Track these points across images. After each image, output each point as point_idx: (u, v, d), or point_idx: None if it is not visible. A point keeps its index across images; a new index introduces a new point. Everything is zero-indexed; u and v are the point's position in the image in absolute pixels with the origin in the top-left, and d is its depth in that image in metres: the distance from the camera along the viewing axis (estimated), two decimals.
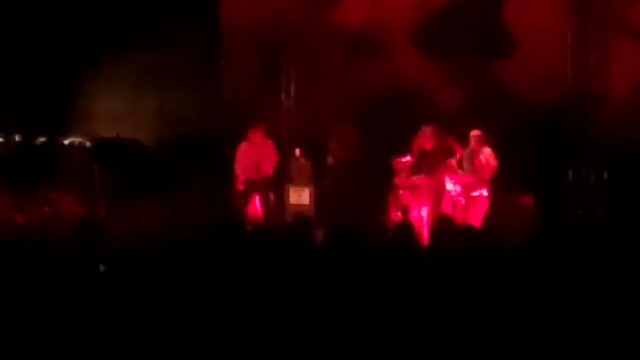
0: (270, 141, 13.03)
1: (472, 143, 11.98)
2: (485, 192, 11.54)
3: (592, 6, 10.36)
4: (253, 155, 12.82)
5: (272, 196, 12.80)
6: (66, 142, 15.00)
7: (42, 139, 15.23)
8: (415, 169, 11.29)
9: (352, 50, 15.26)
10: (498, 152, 12.71)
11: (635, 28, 13.31)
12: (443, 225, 8.19)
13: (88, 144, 14.44)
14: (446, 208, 12.23)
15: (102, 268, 6.98)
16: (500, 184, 12.66)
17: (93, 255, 7.18)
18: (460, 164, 11.53)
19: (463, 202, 12.15)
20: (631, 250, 6.58)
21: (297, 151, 14.41)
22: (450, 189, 12.31)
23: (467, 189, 11.71)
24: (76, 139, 14.55)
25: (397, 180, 11.81)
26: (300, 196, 13.93)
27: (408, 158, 12.72)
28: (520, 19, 14.08)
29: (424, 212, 11.08)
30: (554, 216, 10.60)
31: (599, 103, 10.71)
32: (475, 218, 11.40)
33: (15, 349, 5.51)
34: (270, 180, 12.85)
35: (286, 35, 14.76)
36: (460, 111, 14.21)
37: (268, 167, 12.88)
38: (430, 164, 10.98)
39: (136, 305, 5.95)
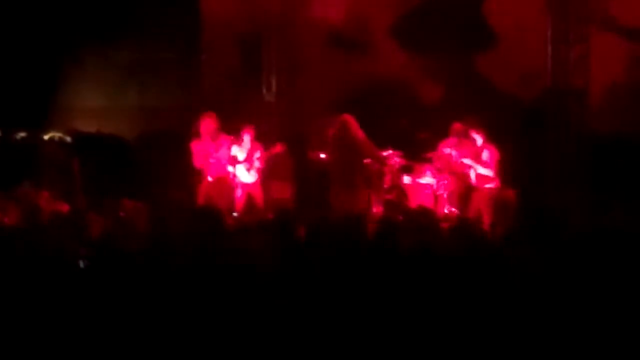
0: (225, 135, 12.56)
1: (454, 136, 11.99)
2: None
3: (572, 0, 10.38)
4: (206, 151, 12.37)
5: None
6: (46, 137, 14.90)
7: (22, 134, 15.15)
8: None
9: (334, 44, 15.27)
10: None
11: (614, 22, 13.36)
12: (428, 221, 8.19)
13: (68, 139, 14.35)
14: (428, 202, 12.26)
15: (81, 264, 6.95)
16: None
17: (73, 251, 7.15)
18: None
19: (445, 195, 12.20)
20: (612, 244, 6.60)
21: (279, 146, 14.39)
22: (432, 182, 12.35)
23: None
24: (56, 134, 14.46)
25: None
26: (281, 191, 13.92)
27: (390, 152, 12.75)
28: (501, 13, 14.12)
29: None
30: (536, 209, 10.61)
31: (580, 96, 10.74)
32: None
33: None
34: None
35: (267, 30, 14.73)
36: (441, 105, 14.25)
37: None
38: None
39: (117, 302, 5.92)
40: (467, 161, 11.55)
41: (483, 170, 11.37)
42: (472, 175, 11.58)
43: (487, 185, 11.37)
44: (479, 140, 11.41)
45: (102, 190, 13.33)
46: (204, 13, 16.07)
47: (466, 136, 11.52)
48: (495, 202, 11.52)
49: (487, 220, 10.84)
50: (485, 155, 11.38)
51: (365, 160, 11.88)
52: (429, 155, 12.47)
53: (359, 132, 11.87)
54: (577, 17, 10.59)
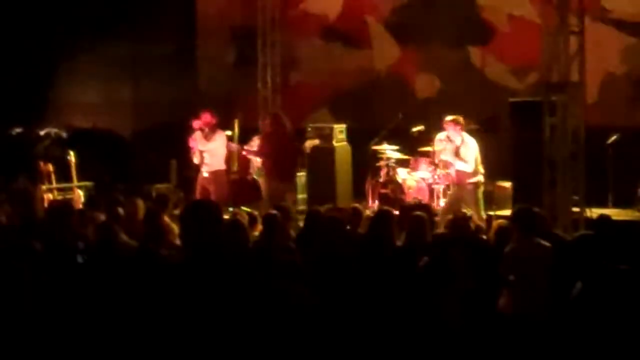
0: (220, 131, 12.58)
1: (447, 129, 11.99)
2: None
3: None
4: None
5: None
6: (42, 132, 14.92)
7: (18, 130, 15.17)
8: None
9: (329, 38, 15.27)
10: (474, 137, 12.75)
11: (609, 13, 13.36)
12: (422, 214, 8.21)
13: (64, 134, 14.35)
14: (424, 196, 12.28)
15: (79, 259, 6.97)
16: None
17: (70, 246, 7.17)
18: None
19: (441, 189, 12.21)
20: (604, 236, 6.63)
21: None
22: (427, 177, 12.35)
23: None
24: (52, 130, 14.47)
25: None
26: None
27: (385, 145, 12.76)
28: (496, 5, 14.12)
29: None
30: (531, 203, 10.63)
31: (575, 89, 10.75)
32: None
33: None
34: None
35: (262, 24, 14.72)
36: (436, 98, 14.26)
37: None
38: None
39: (114, 295, 5.94)
40: (446, 157, 11.60)
41: (462, 166, 11.40)
42: (452, 171, 11.62)
43: (469, 181, 11.39)
44: (458, 136, 11.46)
45: (98, 185, 13.36)
46: (199, 8, 16.08)
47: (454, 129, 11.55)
48: (484, 196, 11.55)
49: (474, 214, 10.85)
50: (463, 150, 11.40)
51: (290, 155, 12.09)
52: (425, 149, 12.47)
53: (287, 128, 12.06)
54: (572, 9, 10.58)
